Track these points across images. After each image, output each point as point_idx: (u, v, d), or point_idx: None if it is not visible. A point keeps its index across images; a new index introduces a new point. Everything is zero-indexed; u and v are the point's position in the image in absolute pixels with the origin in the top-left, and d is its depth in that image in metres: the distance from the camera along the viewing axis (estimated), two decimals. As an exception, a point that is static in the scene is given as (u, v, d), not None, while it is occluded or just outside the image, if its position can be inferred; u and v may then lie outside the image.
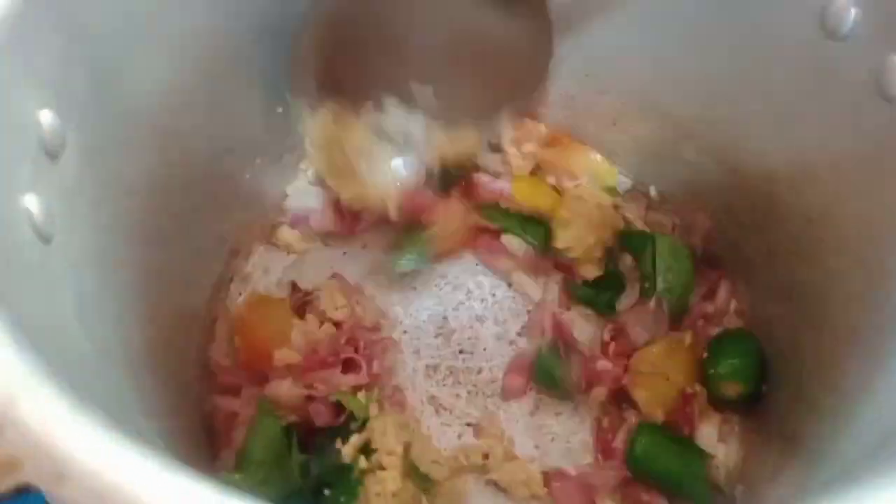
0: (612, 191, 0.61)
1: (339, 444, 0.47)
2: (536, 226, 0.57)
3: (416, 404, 0.53)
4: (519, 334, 0.56)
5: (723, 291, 0.56)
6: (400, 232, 0.55)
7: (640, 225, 0.59)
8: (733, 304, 0.56)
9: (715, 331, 0.54)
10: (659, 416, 0.51)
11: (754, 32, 0.47)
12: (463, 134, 0.49)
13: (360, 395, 0.49)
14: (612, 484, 0.50)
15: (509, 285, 0.58)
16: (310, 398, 0.48)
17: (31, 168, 0.33)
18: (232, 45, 0.48)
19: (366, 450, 0.48)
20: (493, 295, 0.58)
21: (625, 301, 0.55)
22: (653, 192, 0.61)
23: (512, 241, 0.58)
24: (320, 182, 0.58)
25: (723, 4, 0.48)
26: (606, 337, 0.54)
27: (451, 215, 0.56)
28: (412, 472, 0.48)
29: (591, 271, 0.57)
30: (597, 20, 0.54)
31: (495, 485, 0.51)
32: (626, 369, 0.52)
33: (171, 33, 0.43)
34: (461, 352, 0.56)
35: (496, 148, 0.60)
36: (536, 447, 0.53)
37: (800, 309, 0.49)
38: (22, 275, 0.30)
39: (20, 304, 0.28)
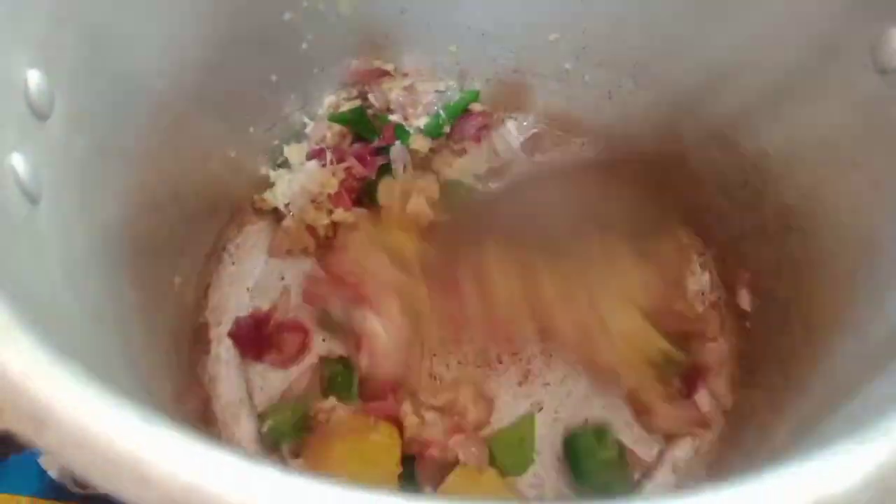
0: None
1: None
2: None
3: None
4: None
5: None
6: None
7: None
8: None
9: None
10: None
11: (751, 6, 0.47)
12: None
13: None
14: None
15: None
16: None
17: (17, 127, 0.32)
18: (229, 8, 0.48)
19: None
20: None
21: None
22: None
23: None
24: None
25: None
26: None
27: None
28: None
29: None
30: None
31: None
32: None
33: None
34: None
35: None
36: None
37: (791, 285, 0.49)
38: (7, 234, 0.30)
39: (5, 261, 0.28)
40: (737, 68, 0.50)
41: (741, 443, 0.51)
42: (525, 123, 0.64)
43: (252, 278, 0.57)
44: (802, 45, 0.44)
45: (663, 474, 0.53)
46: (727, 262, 0.57)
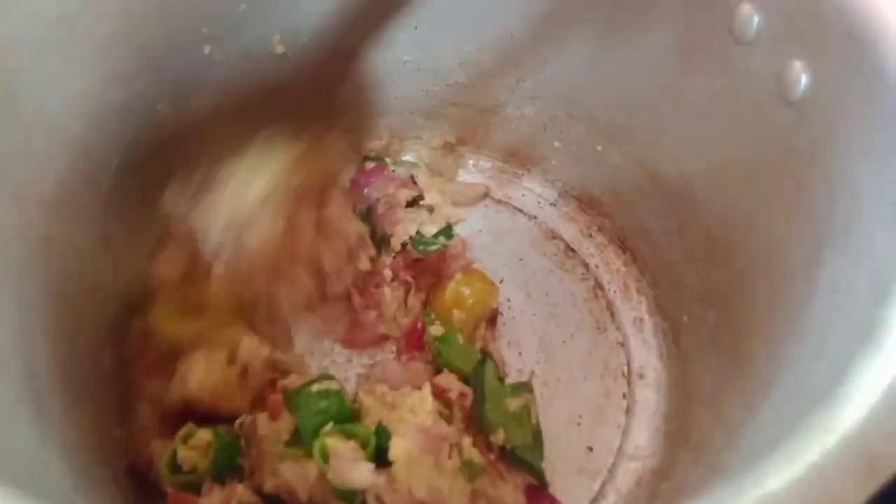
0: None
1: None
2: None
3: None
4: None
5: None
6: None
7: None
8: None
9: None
10: None
11: (669, 38, 0.48)
12: None
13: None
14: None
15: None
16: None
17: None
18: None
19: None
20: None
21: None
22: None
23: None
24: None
25: (640, 10, 0.49)
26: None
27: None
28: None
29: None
30: (528, 33, 0.55)
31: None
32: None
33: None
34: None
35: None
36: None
37: (717, 311, 0.50)
38: None
39: None
40: (657, 97, 0.51)
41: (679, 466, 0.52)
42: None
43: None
44: (715, 75, 0.46)
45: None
46: (661, 287, 0.57)
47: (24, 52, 0.41)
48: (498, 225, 0.62)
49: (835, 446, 0.26)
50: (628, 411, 0.54)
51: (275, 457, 0.45)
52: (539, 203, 0.63)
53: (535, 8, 0.53)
